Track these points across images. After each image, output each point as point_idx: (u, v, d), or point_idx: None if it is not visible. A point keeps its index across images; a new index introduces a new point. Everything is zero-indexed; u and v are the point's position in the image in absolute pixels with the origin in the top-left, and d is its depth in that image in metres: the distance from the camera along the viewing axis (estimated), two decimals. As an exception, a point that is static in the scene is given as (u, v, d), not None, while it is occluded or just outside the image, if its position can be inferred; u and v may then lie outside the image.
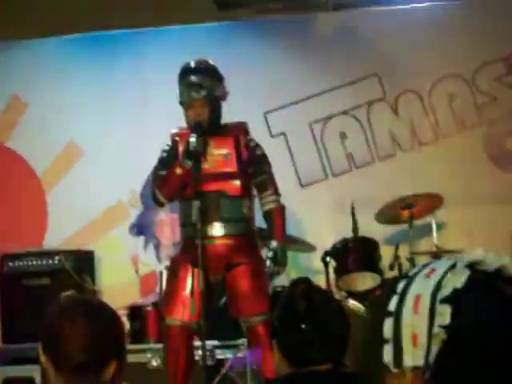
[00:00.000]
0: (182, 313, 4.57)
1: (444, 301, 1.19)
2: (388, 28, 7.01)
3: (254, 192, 4.84)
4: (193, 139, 4.56)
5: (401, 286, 1.26)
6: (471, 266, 1.22)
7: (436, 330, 1.18)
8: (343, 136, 7.01)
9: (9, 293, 6.27)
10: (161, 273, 5.82)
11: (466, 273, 1.21)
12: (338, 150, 7.00)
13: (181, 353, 4.61)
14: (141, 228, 7.12)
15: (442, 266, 1.24)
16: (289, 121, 7.05)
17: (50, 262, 6.31)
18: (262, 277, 4.71)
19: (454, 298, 1.18)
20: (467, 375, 1.16)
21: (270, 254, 4.73)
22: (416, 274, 1.27)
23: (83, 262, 6.45)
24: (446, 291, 1.20)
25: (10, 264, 6.32)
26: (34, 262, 6.32)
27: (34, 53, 7.32)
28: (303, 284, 2.50)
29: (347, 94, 7.01)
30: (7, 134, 7.36)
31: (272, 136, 7.00)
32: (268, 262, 4.71)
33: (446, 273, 1.22)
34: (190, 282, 4.53)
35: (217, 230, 4.65)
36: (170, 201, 4.83)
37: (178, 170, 4.61)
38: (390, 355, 1.23)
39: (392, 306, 1.25)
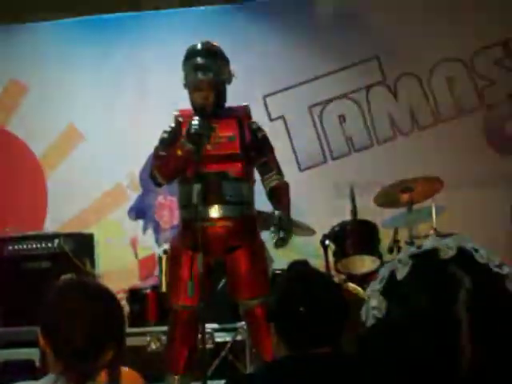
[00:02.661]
0: (189, 299, 4.55)
1: (381, 293, 1.22)
2: (388, 11, 6.99)
3: (255, 176, 4.82)
4: (195, 122, 4.52)
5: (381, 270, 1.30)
6: (421, 254, 1.23)
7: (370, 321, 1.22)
8: (342, 119, 7.00)
9: (8, 276, 6.27)
10: (160, 258, 5.80)
11: (409, 264, 1.23)
12: (337, 134, 6.99)
13: (189, 337, 4.60)
14: (140, 211, 7.13)
15: (402, 253, 1.28)
16: (288, 104, 7.04)
17: (50, 245, 6.30)
18: (262, 260, 4.70)
19: (387, 291, 1.22)
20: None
21: (275, 221, 4.68)
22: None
23: (83, 245, 6.44)
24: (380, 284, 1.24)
25: (10, 247, 6.32)
26: (34, 246, 6.32)
27: (34, 37, 7.31)
28: (301, 267, 2.50)
29: (346, 77, 7.00)
30: (7, 118, 7.36)
31: (271, 119, 7.00)
32: (273, 229, 4.65)
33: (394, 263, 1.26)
34: (189, 266, 4.51)
35: (217, 212, 4.62)
36: (168, 182, 4.77)
37: (179, 152, 4.57)
38: None
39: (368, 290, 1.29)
